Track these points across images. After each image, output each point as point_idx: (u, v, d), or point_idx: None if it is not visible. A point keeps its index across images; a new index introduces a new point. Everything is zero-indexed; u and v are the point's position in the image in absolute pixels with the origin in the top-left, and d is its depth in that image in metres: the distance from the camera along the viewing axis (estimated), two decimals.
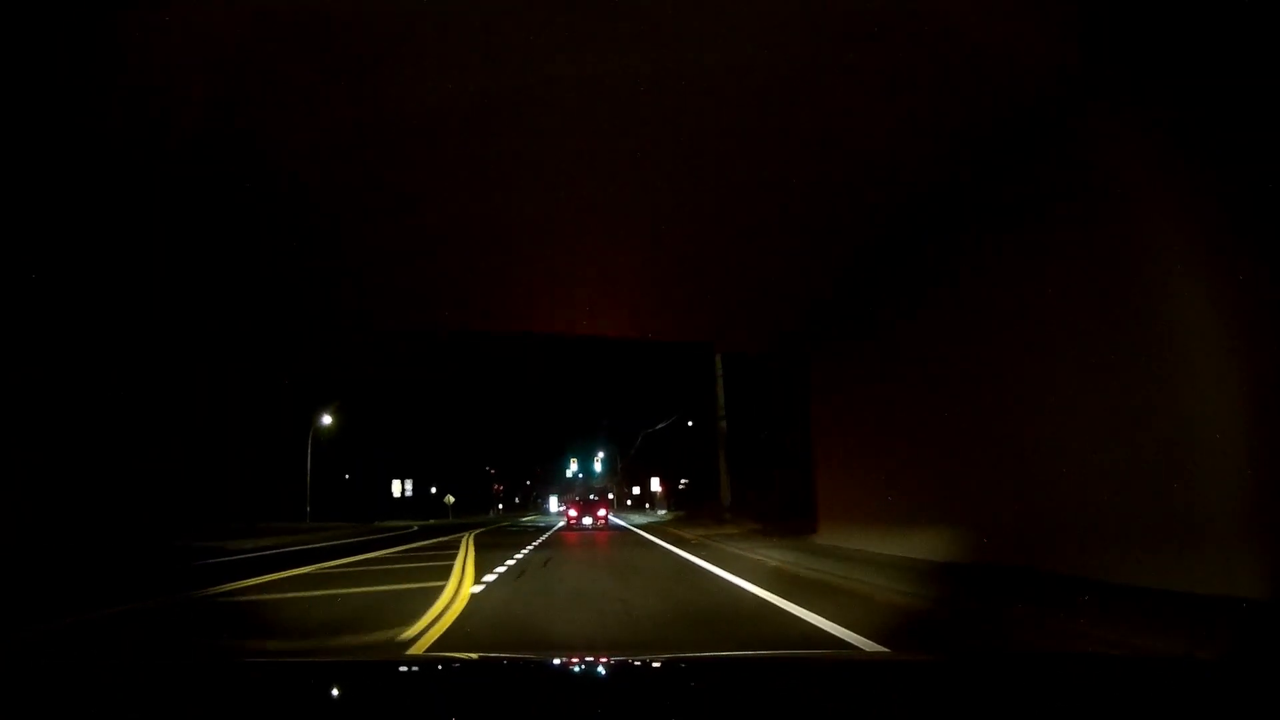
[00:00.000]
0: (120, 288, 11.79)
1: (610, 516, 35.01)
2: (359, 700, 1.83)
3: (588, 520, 31.01)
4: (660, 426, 47.94)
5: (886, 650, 4.65)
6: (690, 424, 47.22)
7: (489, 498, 73.23)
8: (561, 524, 33.37)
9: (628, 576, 10.07)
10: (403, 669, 2.44)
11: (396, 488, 47.96)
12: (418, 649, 5.01)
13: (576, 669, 2.37)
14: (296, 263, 11.79)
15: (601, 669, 2.35)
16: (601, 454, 65.90)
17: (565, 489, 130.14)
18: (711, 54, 6.55)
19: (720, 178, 9.05)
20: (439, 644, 5.24)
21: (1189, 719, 1.53)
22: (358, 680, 2.08)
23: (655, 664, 2.43)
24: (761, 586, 8.13)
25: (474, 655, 3.59)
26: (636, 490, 64.58)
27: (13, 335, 10.41)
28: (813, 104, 7.38)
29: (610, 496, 70.32)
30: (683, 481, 50.11)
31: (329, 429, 44.79)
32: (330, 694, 1.94)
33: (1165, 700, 1.64)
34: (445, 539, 19.86)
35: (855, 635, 5.18)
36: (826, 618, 5.89)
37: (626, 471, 79.41)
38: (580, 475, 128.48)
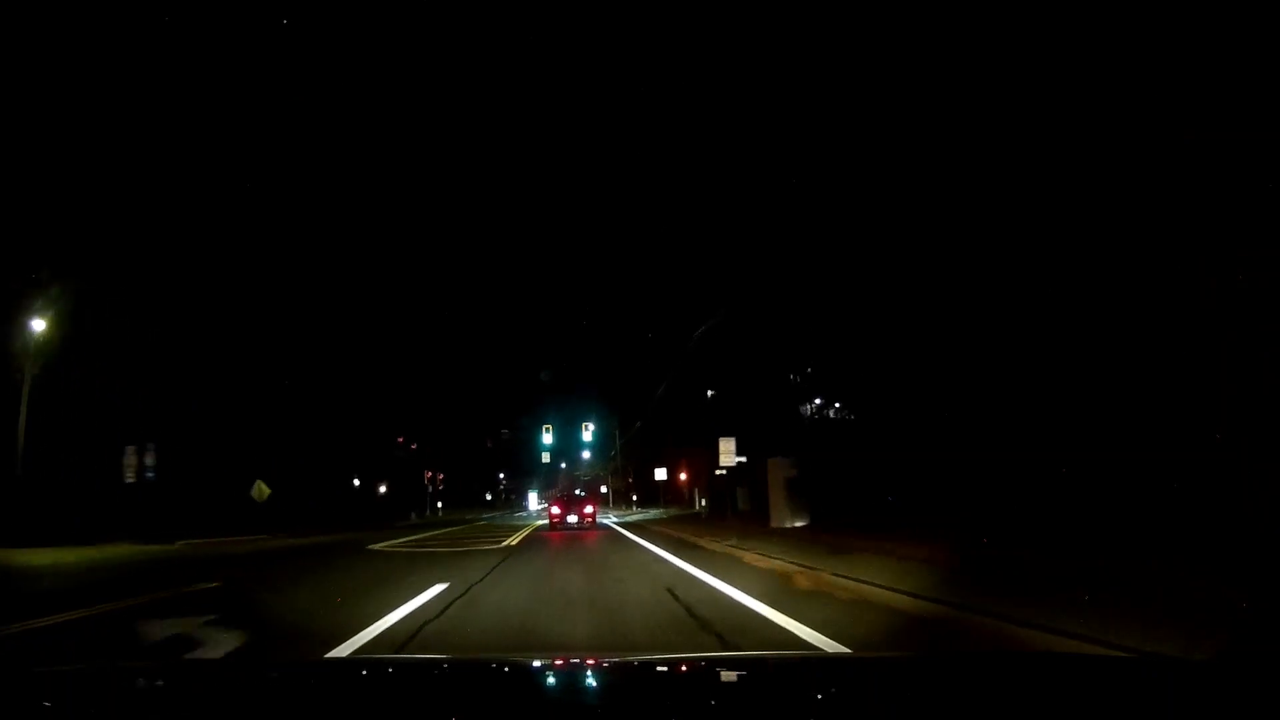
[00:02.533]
0: None
1: (599, 517, 29.52)
2: (349, 701, 1.84)
3: (573, 518, 26.90)
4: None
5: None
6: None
7: (416, 491, 47.06)
8: (543, 523, 29.32)
9: None
10: (386, 670, 2.40)
11: (131, 464, 21.58)
12: None
13: (552, 671, 2.32)
14: None
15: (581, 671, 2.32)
16: (591, 425, 39.97)
17: (548, 482, 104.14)
18: None
19: None
20: None
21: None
22: (343, 682, 2.12)
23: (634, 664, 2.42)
24: None
25: (457, 657, 3.86)
26: (663, 474, 39.17)
27: None
28: None
29: (604, 490, 58.93)
30: (737, 459, 24.40)
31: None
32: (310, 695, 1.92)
33: (1139, 700, 1.66)
34: None
35: None
36: None
37: (635, 452, 53.68)
38: (564, 466, 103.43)
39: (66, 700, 1.75)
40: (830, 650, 4.45)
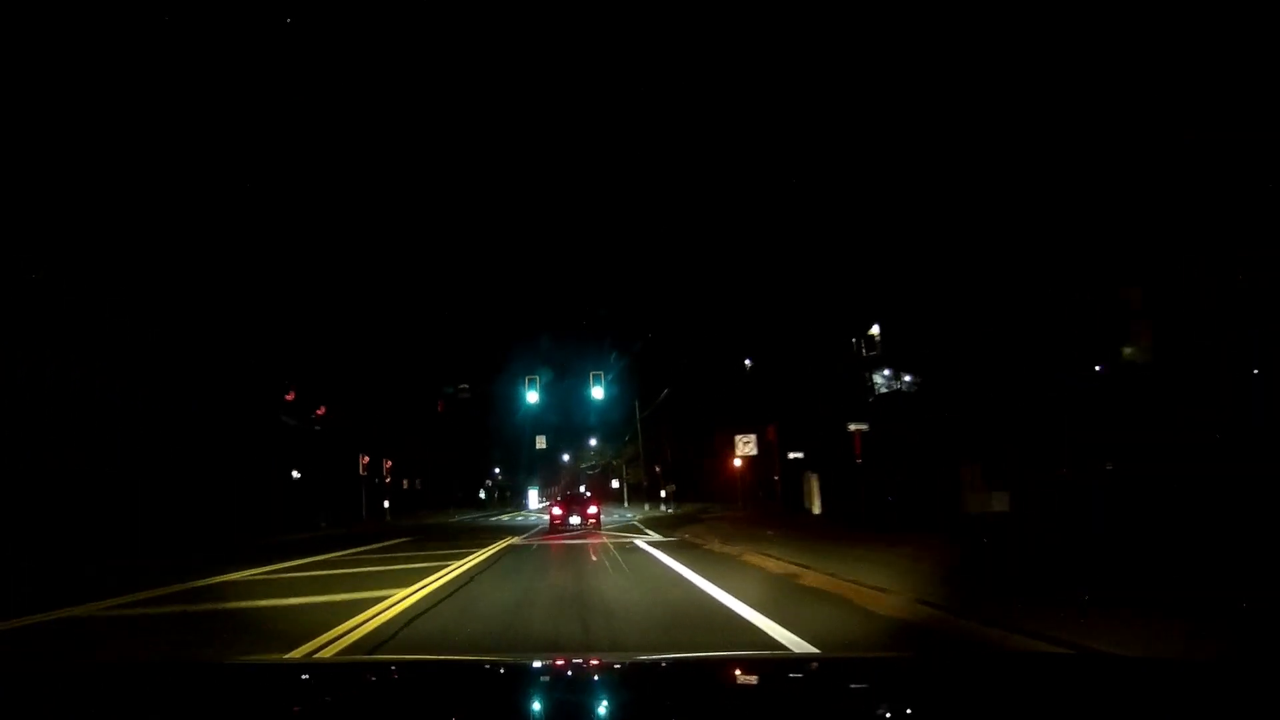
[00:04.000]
0: None
1: (609, 519, 27.09)
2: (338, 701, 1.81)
3: (575, 519, 23.19)
4: None
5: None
6: None
7: (346, 484, 31.91)
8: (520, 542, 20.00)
9: None
10: (385, 669, 2.40)
11: None
12: None
13: (546, 671, 2.31)
14: None
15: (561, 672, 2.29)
16: (597, 376, 24.52)
17: (549, 477, 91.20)
18: None
19: None
20: None
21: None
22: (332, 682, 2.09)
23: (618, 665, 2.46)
24: None
25: (453, 657, 4.01)
26: (750, 448, 24.17)
27: None
28: None
29: (615, 485, 54.17)
30: None
31: None
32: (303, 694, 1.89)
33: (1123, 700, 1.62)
34: None
35: None
36: None
37: (657, 430, 38.56)
38: (566, 459, 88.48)
39: (64, 699, 1.70)
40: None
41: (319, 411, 30.21)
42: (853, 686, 1.91)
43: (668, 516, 28.69)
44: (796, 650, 5.06)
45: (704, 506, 32.62)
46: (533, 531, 22.33)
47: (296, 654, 5.50)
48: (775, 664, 2.57)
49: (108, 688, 1.83)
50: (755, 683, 1.96)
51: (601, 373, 25.12)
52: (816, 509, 17.47)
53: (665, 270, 43.49)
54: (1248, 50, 10.20)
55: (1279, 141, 10.38)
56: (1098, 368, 13.10)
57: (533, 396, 25.03)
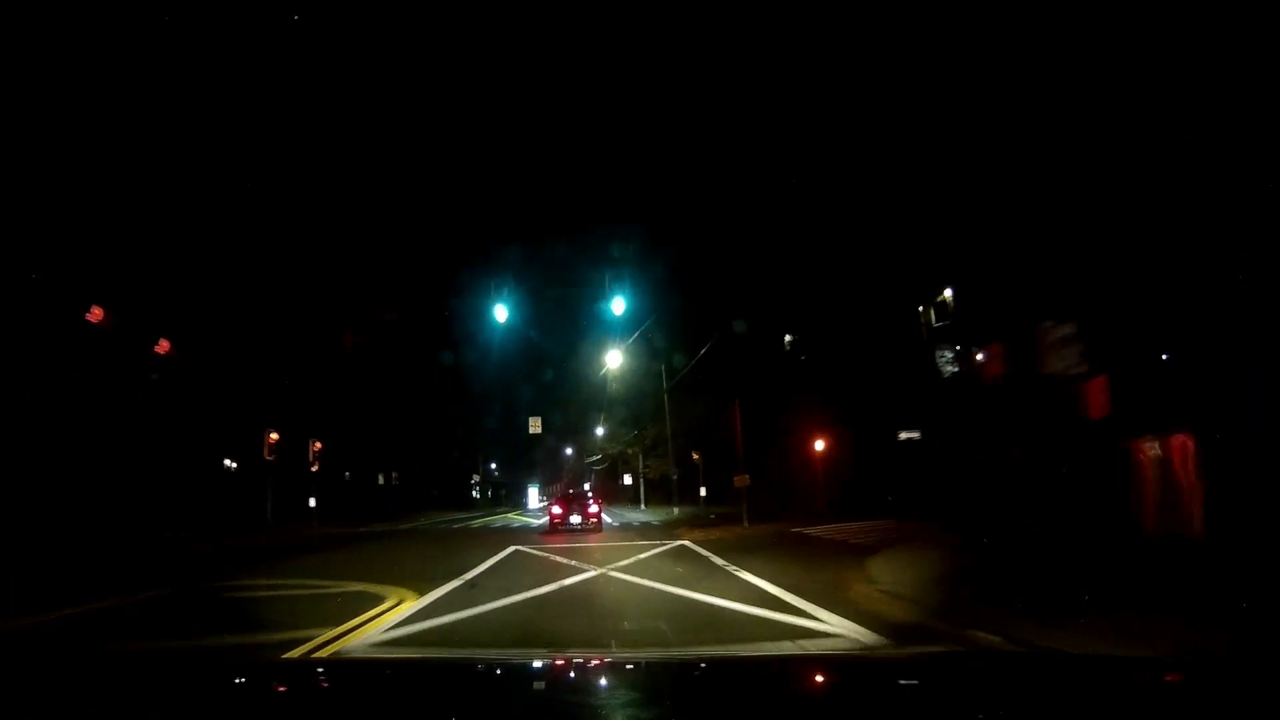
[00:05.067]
0: None
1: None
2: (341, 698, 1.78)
3: (576, 519, 22.26)
4: None
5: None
6: None
7: (261, 476, 21.73)
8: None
9: None
10: (385, 669, 2.35)
11: None
12: None
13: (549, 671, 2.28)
14: None
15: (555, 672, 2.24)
16: (618, 283, 13.84)
17: (550, 474, 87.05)
18: None
19: None
20: None
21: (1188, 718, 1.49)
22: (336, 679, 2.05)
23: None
24: None
25: (454, 656, 3.97)
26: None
27: None
28: None
29: (629, 481, 45.98)
30: None
31: None
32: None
33: (1161, 702, 1.60)
34: None
35: None
36: None
37: (693, 406, 28.31)
38: (570, 452, 79.95)
39: (65, 695, 1.65)
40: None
41: (160, 348, 19.16)
42: None
43: (743, 533, 18.01)
44: None
45: (773, 511, 22.00)
46: (494, 561, 11.82)
47: None
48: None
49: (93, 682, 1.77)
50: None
51: (624, 280, 14.76)
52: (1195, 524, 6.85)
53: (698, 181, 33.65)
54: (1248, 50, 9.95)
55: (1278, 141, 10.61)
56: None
57: (502, 313, 14.71)
